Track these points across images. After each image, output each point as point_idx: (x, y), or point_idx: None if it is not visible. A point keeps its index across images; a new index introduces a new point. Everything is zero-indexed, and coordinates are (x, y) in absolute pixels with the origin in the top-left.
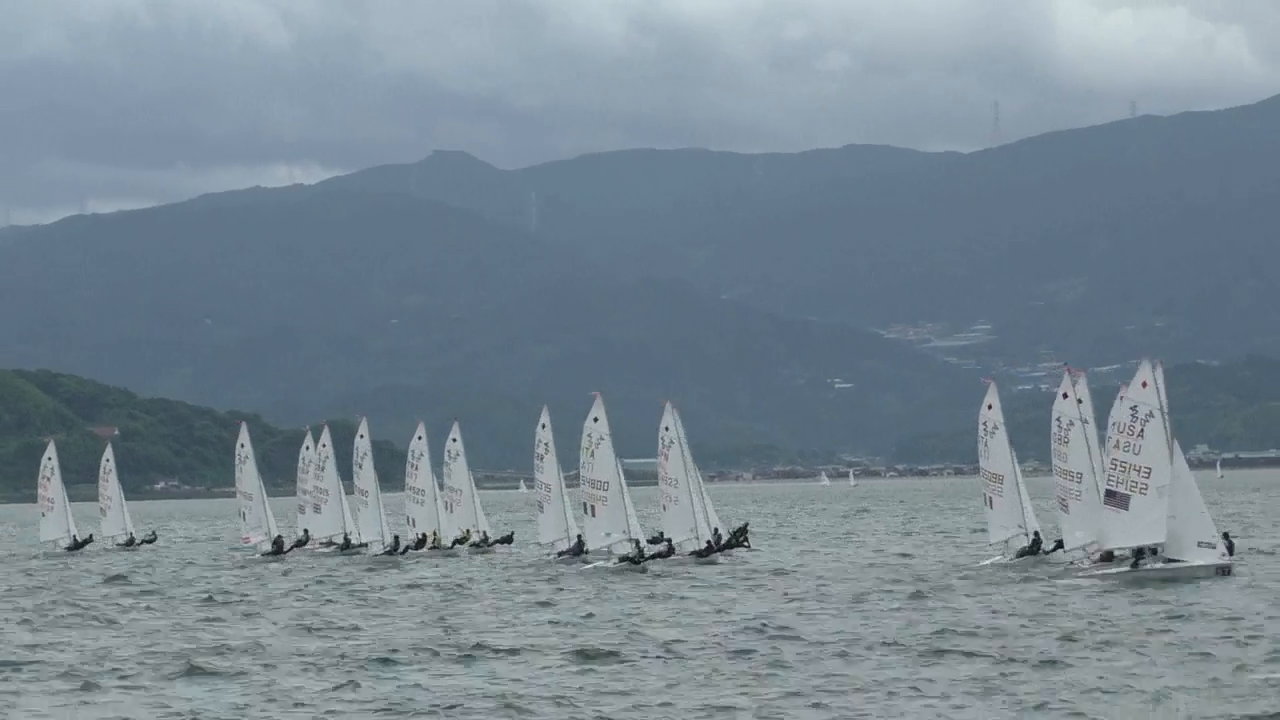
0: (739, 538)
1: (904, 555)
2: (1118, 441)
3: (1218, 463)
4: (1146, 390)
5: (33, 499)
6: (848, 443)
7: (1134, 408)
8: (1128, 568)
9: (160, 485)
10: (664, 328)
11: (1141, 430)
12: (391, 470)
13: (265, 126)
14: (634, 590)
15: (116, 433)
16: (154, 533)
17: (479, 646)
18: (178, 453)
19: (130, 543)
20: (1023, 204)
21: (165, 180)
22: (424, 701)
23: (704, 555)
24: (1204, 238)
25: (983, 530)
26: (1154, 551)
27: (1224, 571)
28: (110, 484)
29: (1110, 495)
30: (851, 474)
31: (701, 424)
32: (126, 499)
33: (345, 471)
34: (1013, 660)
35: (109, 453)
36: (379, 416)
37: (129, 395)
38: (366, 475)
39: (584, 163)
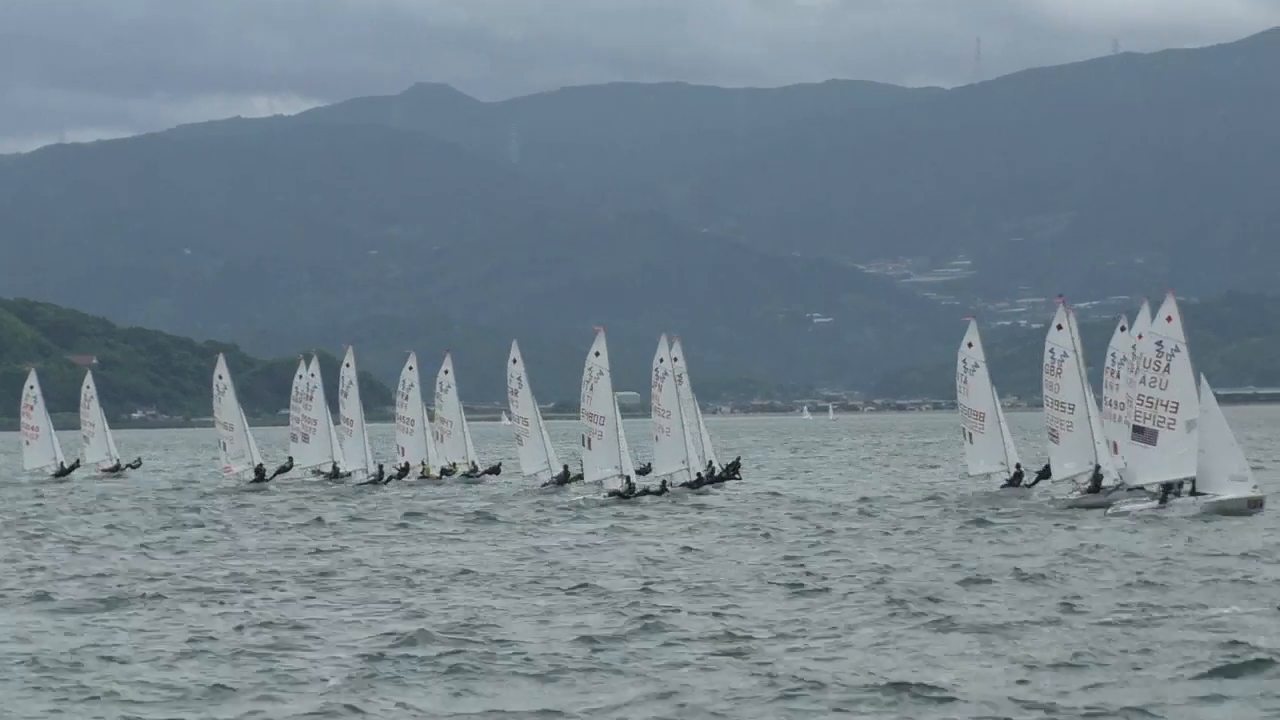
0: (731, 472)
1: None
2: (1144, 377)
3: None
4: (1171, 325)
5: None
6: (826, 377)
7: (1159, 342)
8: (1157, 502)
9: (138, 414)
10: (644, 262)
11: (1168, 365)
12: (370, 400)
13: (244, 57)
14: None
15: (95, 361)
16: (139, 459)
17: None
18: (155, 382)
19: (116, 468)
20: (1004, 140)
21: (144, 110)
22: None
23: (694, 487)
24: (1185, 175)
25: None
26: (1181, 486)
27: (1256, 505)
28: (92, 411)
29: (1138, 431)
30: (831, 408)
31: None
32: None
33: (331, 402)
34: None
35: (89, 380)
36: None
37: (107, 324)
38: (352, 405)
39: (565, 96)
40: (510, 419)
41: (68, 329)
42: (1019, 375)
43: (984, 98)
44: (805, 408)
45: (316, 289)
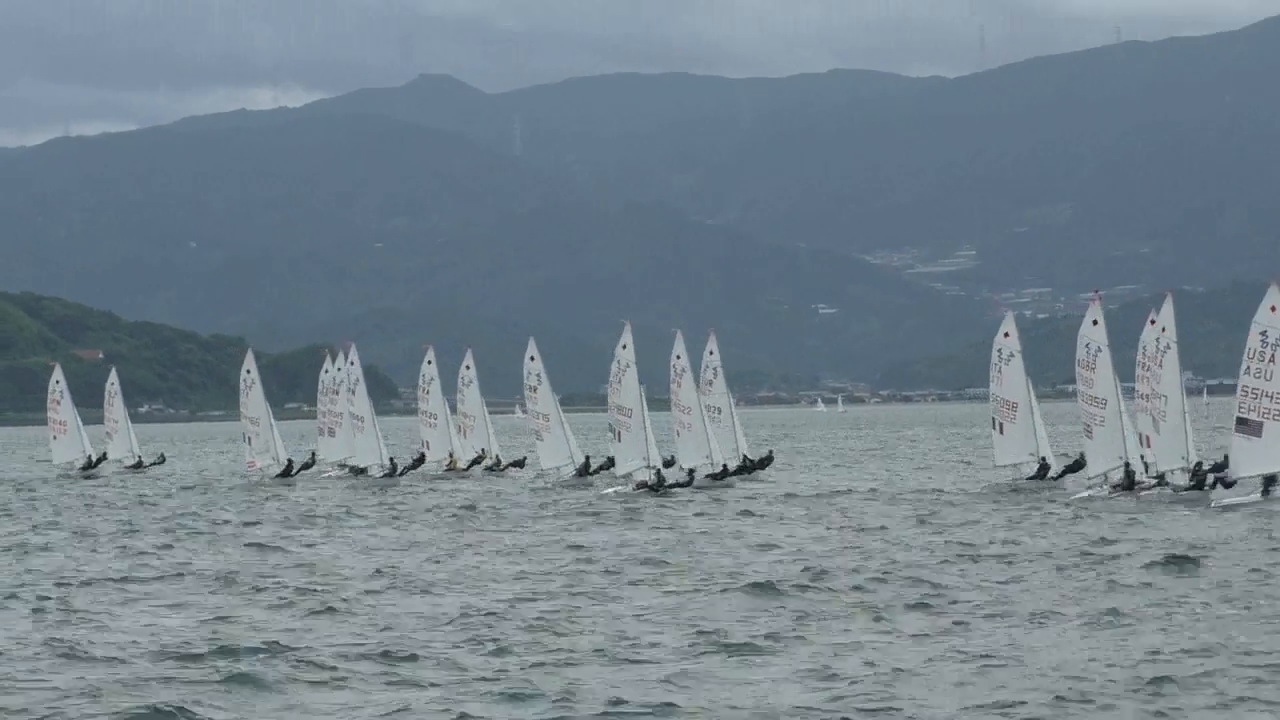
0: (762, 464)
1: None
2: (1248, 367)
3: (1204, 390)
4: (1276, 314)
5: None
6: (832, 368)
7: (1264, 333)
8: (1259, 495)
9: (144, 409)
10: (648, 253)
11: (1273, 356)
12: (377, 394)
13: (246, 49)
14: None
15: (101, 356)
16: (162, 455)
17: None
18: (161, 376)
19: (138, 465)
20: (1008, 129)
21: (147, 102)
22: None
23: (719, 478)
24: (1189, 164)
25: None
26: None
27: None
28: (116, 406)
29: (1241, 423)
30: (839, 400)
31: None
32: None
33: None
34: None
35: (114, 376)
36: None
37: (113, 318)
38: (361, 399)
39: (569, 87)
40: (524, 413)
41: (73, 323)
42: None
43: (988, 86)
44: (820, 399)
45: (322, 282)
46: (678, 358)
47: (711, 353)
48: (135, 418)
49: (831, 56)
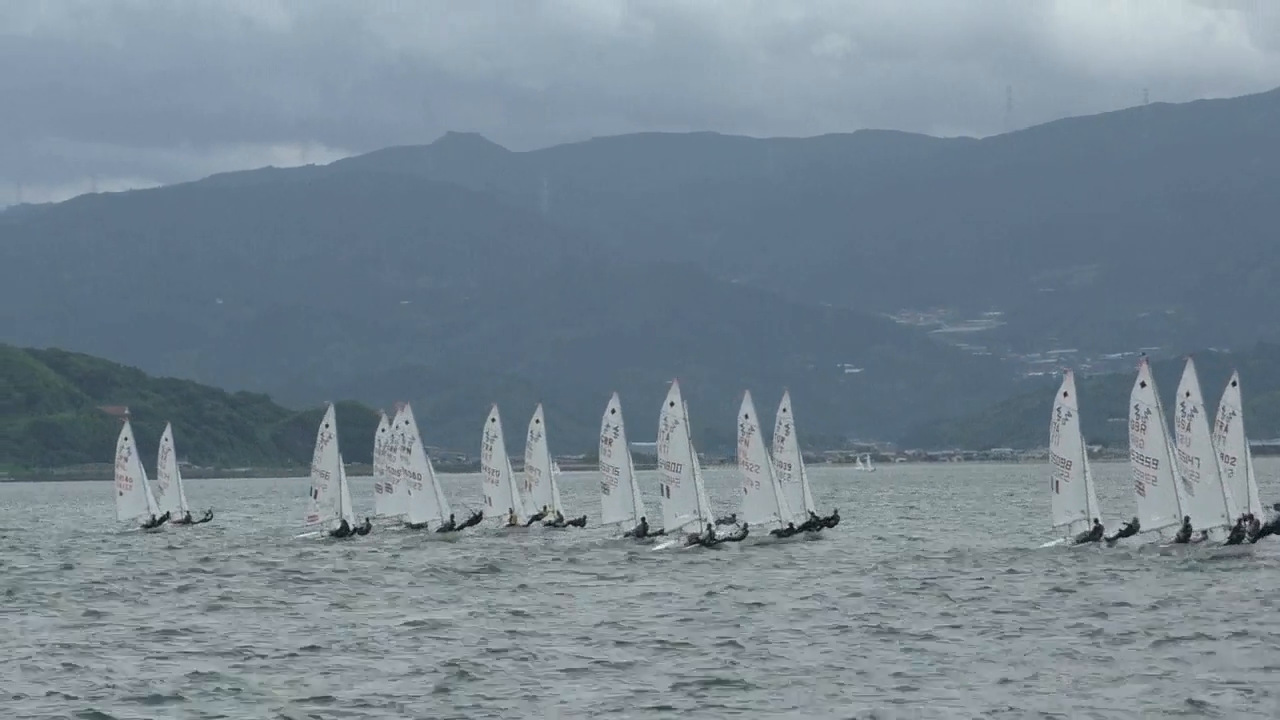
0: (829, 522)
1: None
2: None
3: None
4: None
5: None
6: (858, 428)
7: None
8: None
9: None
10: (674, 312)
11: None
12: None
13: (267, 107)
14: None
15: (127, 412)
16: (209, 511)
17: None
18: (187, 432)
19: (187, 520)
20: (1034, 190)
21: (170, 159)
22: None
23: (785, 535)
24: (1215, 225)
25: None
26: None
27: None
28: (168, 462)
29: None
30: (869, 459)
31: (711, 408)
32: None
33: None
34: None
35: (168, 432)
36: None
37: (139, 374)
38: (417, 457)
39: (595, 146)
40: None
41: (100, 379)
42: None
43: (1014, 148)
44: (867, 457)
45: (348, 339)
46: (745, 416)
47: (785, 410)
48: (156, 474)
49: (858, 117)
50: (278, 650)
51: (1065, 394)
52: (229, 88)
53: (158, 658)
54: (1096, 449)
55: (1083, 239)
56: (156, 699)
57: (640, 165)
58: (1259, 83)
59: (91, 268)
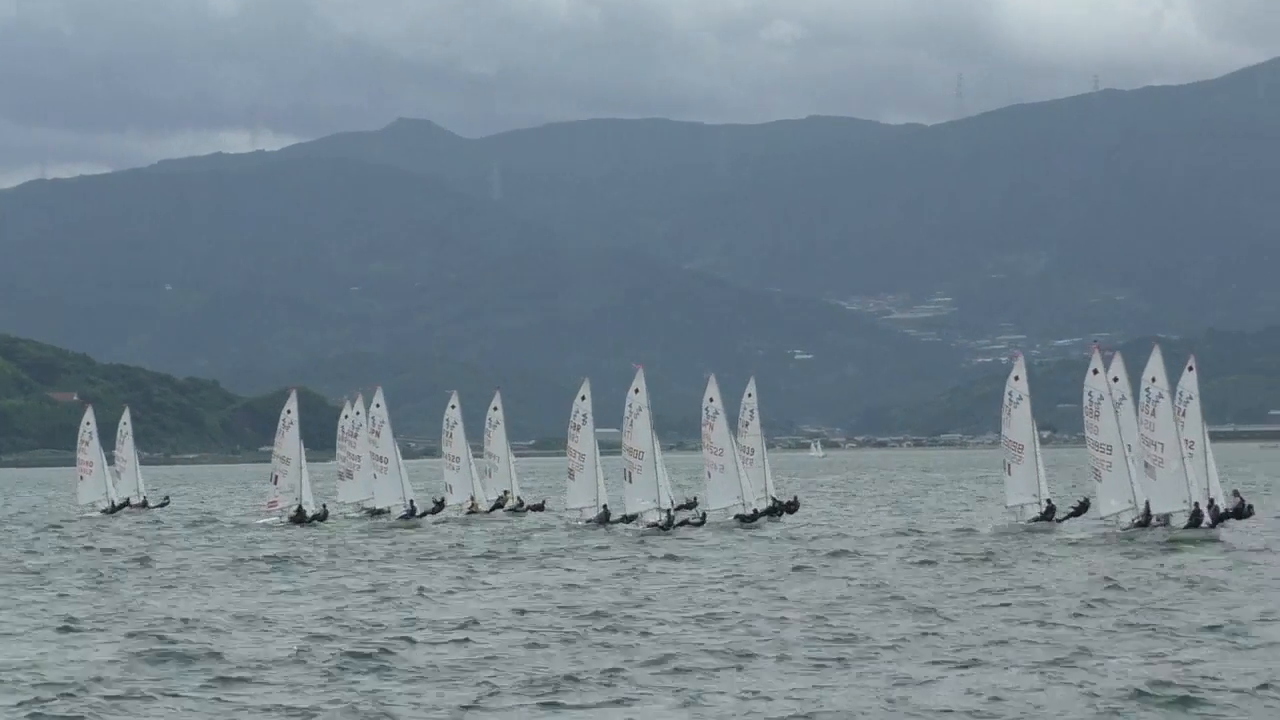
0: (789, 508)
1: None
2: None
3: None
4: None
5: None
6: (808, 414)
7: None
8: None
9: (117, 451)
10: (625, 298)
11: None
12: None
13: (216, 92)
14: None
15: (75, 398)
16: (167, 497)
17: None
18: (136, 419)
19: (144, 505)
20: (985, 176)
21: (119, 145)
22: None
23: (748, 520)
24: (1165, 212)
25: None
26: None
27: None
28: (126, 447)
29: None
30: (820, 444)
31: (662, 393)
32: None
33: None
34: None
35: (126, 417)
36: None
37: (88, 360)
38: (385, 441)
39: (547, 132)
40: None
41: (48, 365)
42: (999, 412)
43: (965, 134)
44: (817, 443)
45: (298, 325)
46: (710, 400)
47: (750, 395)
48: (110, 461)
49: (809, 103)
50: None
51: (1016, 378)
52: (178, 73)
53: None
54: (1046, 434)
55: (1033, 225)
56: None
57: (592, 151)
58: (1209, 69)
59: (40, 254)
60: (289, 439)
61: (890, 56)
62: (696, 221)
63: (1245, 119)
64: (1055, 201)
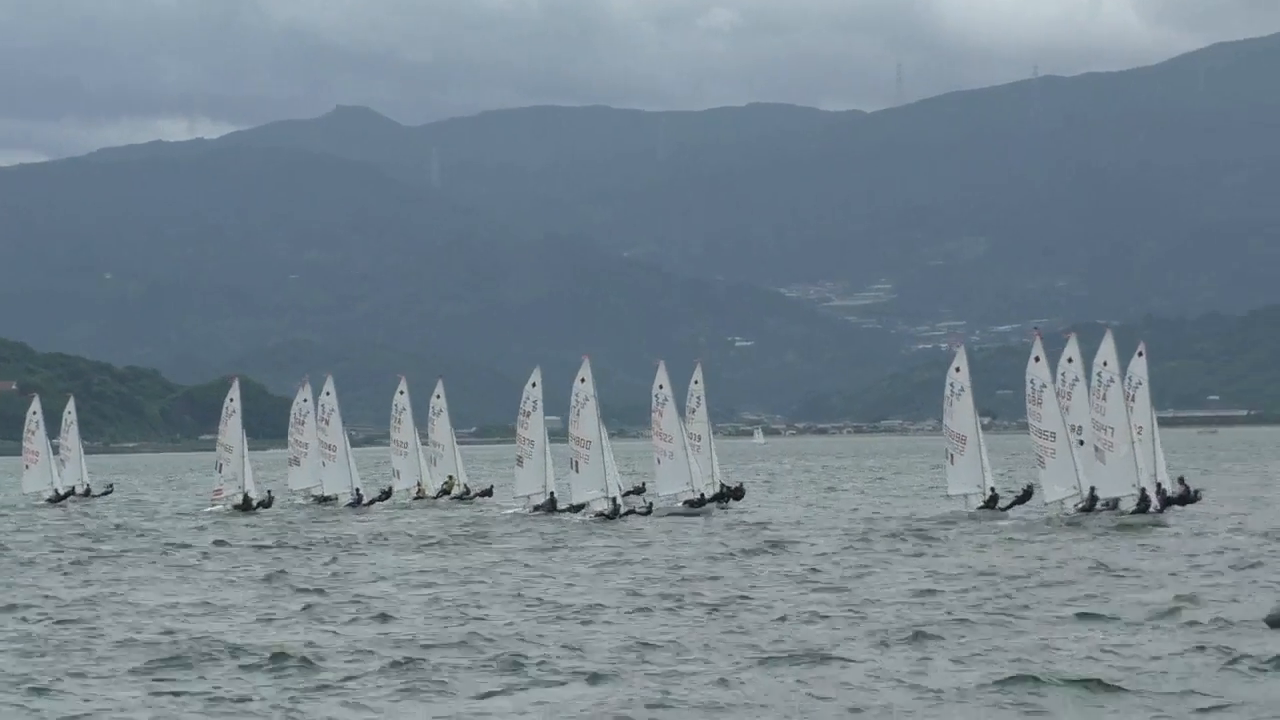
0: (736, 494)
1: None
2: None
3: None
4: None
5: None
6: (748, 401)
7: (1031, 381)
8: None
9: (57, 440)
10: (566, 285)
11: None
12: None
13: (154, 81)
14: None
15: (14, 387)
16: (110, 485)
17: None
18: (76, 407)
19: (87, 494)
20: (925, 164)
21: (58, 133)
22: None
23: (697, 506)
24: (1104, 198)
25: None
26: None
27: None
28: (71, 436)
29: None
30: (761, 431)
31: (603, 381)
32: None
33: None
34: None
35: (71, 405)
36: (279, 373)
37: (26, 349)
38: (335, 429)
39: (486, 120)
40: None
41: None
42: (939, 399)
43: (905, 121)
44: (758, 430)
45: (237, 313)
46: (660, 387)
47: (697, 382)
48: (57, 449)
49: (748, 91)
50: None
51: (957, 369)
52: (115, 61)
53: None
54: (986, 421)
55: (972, 212)
56: None
57: (531, 139)
58: (1148, 55)
59: None
60: (231, 428)
61: (829, 44)
62: (636, 209)
63: (1184, 106)
64: (994, 188)
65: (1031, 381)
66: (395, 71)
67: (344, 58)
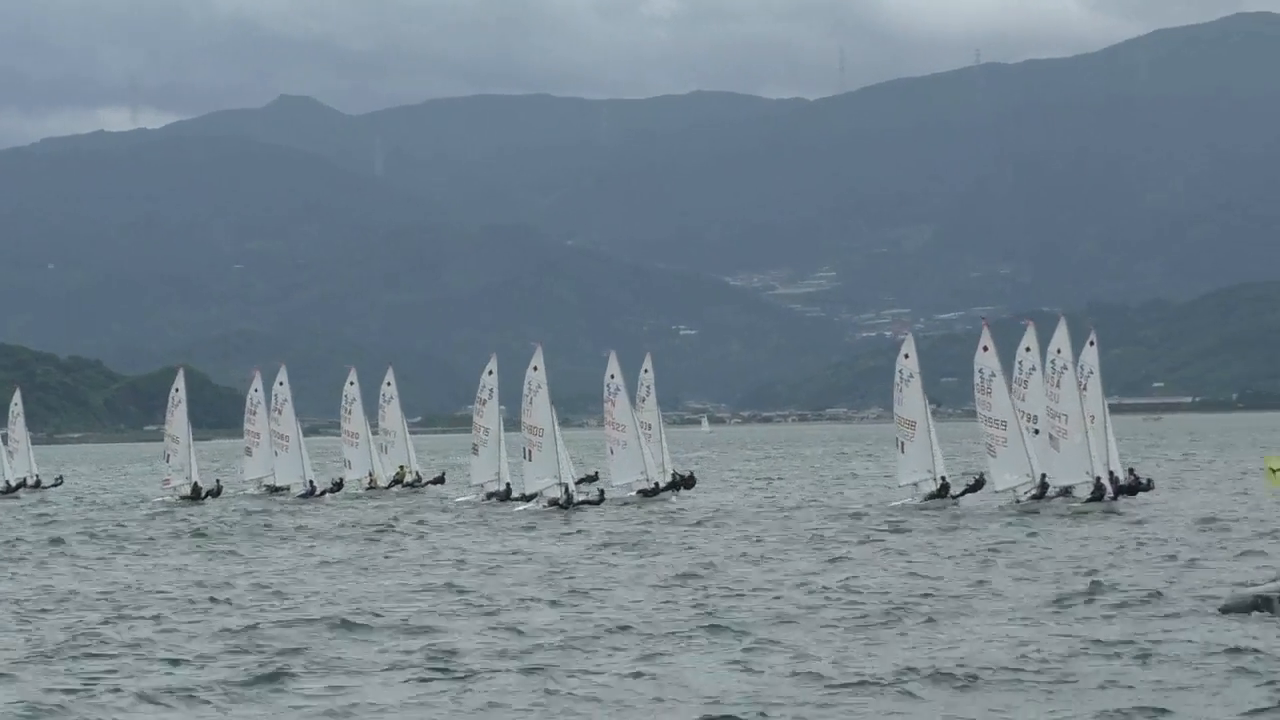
0: (688, 482)
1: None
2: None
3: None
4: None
5: None
6: (693, 389)
7: (980, 370)
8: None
9: (5, 430)
10: (508, 275)
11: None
12: (233, 416)
13: (97, 70)
14: None
15: None
16: (60, 477)
17: None
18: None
19: (37, 485)
20: (868, 151)
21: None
22: None
23: (651, 495)
24: (1047, 185)
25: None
26: None
27: None
28: (18, 427)
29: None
30: (708, 420)
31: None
32: None
33: (207, 420)
34: None
35: (17, 398)
36: (223, 362)
37: None
38: (287, 419)
39: (428, 108)
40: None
41: None
42: (883, 386)
43: (848, 109)
44: (704, 419)
45: (180, 303)
46: (611, 377)
47: (646, 371)
48: (6, 440)
49: (691, 79)
50: None
51: (906, 356)
52: (57, 51)
53: None
54: (933, 408)
55: (916, 199)
56: None
57: (474, 128)
58: (1089, 43)
59: None
60: (177, 418)
61: (771, 31)
62: (579, 197)
63: (1126, 92)
64: (938, 175)
65: (980, 370)
66: (338, 61)
67: (287, 47)
